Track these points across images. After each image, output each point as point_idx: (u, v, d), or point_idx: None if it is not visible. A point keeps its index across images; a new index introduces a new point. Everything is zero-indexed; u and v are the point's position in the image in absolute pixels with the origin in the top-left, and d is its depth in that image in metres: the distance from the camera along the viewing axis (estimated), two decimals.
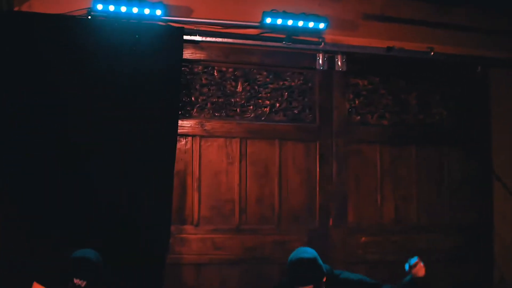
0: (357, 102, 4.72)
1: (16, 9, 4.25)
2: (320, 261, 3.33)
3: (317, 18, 4.48)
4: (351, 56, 4.69)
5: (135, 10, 4.17)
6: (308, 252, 3.36)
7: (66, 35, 4.10)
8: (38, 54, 4.04)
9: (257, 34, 4.54)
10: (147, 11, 4.19)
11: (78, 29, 4.13)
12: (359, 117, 4.72)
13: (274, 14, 4.41)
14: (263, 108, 4.54)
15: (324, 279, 3.31)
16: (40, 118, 3.99)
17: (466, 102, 4.92)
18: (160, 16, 4.25)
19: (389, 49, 4.70)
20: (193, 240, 4.29)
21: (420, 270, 3.50)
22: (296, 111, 4.59)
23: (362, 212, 4.62)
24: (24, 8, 4.26)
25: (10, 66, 3.99)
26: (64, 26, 4.12)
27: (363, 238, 4.57)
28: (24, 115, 3.98)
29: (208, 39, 4.43)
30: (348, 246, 4.54)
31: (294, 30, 4.52)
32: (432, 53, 4.79)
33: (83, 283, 3.20)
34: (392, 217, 4.66)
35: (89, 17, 4.20)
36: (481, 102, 4.93)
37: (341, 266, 4.42)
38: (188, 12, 4.49)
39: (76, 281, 3.19)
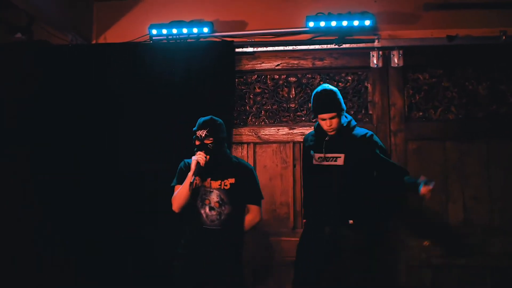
0: (417, 97, 4.50)
1: (94, 42, 4.93)
2: (341, 97, 3.77)
3: (362, 16, 4.39)
4: (409, 50, 4.48)
5: (184, 30, 4.56)
6: (331, 86, 3.82)
7: (135, 58, 4.65)
8: (115, 76, 4.63)
9: (309, 39, 4.61)
10: (195, 30, 4.54)
11: (142, 52, 4.65)
12: (421, 113, 4.49)
13: (318, 17, 4.45)
14: None
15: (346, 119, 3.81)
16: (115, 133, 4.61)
17: None
18: (207, 33, 4.58)
19: (450, 38, 4.40)
20: (250, 243, 4.49)
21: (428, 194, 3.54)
22: (352, 112, 4.54)
23: (425, 213, 4.40)
24: (101, 40, 4.92)
25: (95, 87, 4.66)
26: (133, 51, 4.67)
27: (426, 242, 4.36)
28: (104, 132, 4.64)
29: (260, 49, 4.63)
30: (409, 249, 4.37)
31: (345, 31, 4.49)
32: (504, 37, 4.37)
33: (203, 132, 3.59)
34: (461, 218, 4.37)
35: (151, 41, 4.71)
36: None
37: (404, 269, 4.34)
38: (242, 25, 4.74)
39: (198, 133, 3.61)
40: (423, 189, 3.48)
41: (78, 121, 4.59)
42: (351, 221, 3.66)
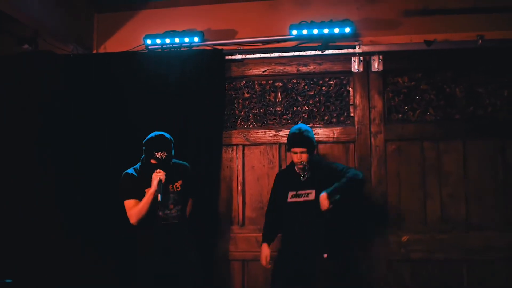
0: (397, 100, 4.72)
1: (95, 51, 5.27)
2: (313, 136, 4.17)
3: (342, 23, 4.64)
4: (389, 55, 4.72)
5: (177, 40, 4.86)
6: (305, 126, 4.24)
7: (132, 66, 4.96)
8: (115, 82, 4.95)
9: (294, 46, 4.87)
10: (186, 39, 4.84)
11: (139, 60, 4.97)
12: (400, 115, 4.71)
13: (301, 25, 4.73)
14: (302, 114, 4.85)
15: (315, 151, 4.23)
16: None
17: None
18: (198, 42, 4.88)
19: (428, 43, 4.62)
20: (240, 239, 4.79)
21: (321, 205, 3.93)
22: (334, 114, 4.78)
23: (404, 211, 4.61)
24: (101, 50, 5.26)
25: (96, 95, 4.97)
26: (131, 59, 5.00)
27: (405, 237, 4.57)
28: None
29: (248, 56, 4.92)
30: (388, 245, 4.58)
31: (327, 38, 4.74)
32: (480, 41, 4.56)
33: (164, 154, 3.90)
34: (438, 214, 4.56)
35: (147, 50, 5.02)
36: None
37: (384, 264, 4.55)
38: (232, 34, 5.03)
39: (157, 154, 3.90)
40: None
41: (79, 121, 4.93)
42: (325, 255, 3.97)
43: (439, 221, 4.56)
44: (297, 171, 4.15)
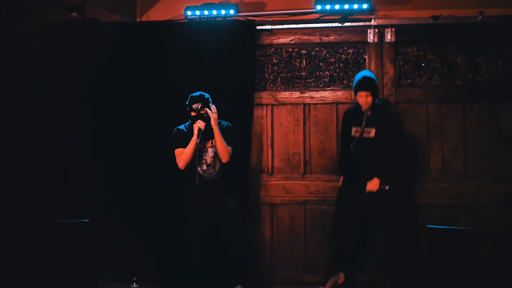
0: (406, 67, 5.44)
1: (138, 19, 5.89)
2: (376, 82, 4.92)
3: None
4: (400, 27, 5.40)
5: (214, 12, 5.52)
6: (370, 72, 5.02)
7: (174, 34, 5.62)
8: (161, 48, 5.59)
9: (317, 18, 5.54)
10: (223, 12, 5.49)
11: (180, 29, 5.63)
12: (409, 80, 5.43)
13: (324, 0, 5.35)
14: (324, 79, 5.56)
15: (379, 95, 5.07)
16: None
17: None
18: (233, 14, 5.54)
19: (434, 18, 5.30)
20: (269, 186, 5.56)
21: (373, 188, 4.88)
22: (352, 79, 5.44)
23: (412, 163, 5.36)
24: (144, 19, 5.89)
25: (140, 62, 5.61)
26: (173, 28, 5.64)
27: (413, 185, 5.35)
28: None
29: (276, 26, 5.58)
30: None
31: (347, 12, 5.41)
32: (480, 17, 5.25)
33: (199, 105, 4.72)
34: (440, 166, 5.35)
35: (186, 20, 5.66)
36: None
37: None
38: (262, 6, 5.71)
39: (194, 106, 4.74)
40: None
41: (128, 84, 5.59)
42: (387, 187, 4.86)
43: (441, 172, 5.35)
44: (363, 110, 4.88)
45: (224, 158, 4.75)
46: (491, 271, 4.80)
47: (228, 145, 4.82)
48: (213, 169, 4.81)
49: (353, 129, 4.95)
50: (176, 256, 5.32)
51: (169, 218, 5.39)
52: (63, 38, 5.68)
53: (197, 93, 4.80)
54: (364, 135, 4.87)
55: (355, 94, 4.92)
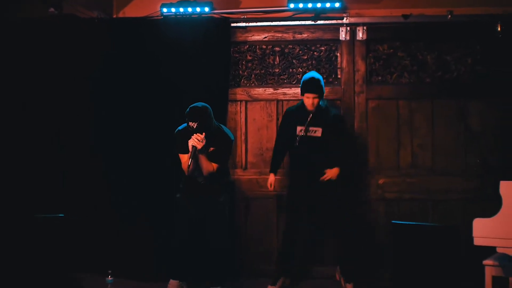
0: (377, 65, 5.55)
1: (114, 16, 5.96)
2: (323, 84, 5.02)
3: None
4: (372, 26, 5.51)
5: (189, 9, 5.58)
6: (317, 74, 5.09)
7: (149, 30, 5.69)
8: (138, 44, 5.67)
9: (290, 16, 5.63)
10: (198, 9, 5.57)
11: (156, 25, 5.70)
12: (379, 78, 5.55)
13: None
14: (296, 76, 5.66)
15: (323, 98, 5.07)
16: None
17: (485, 58, 5.41)
18: (208, 11, 5.61)
19: (405, 16, 5.41)
20: (243, 180, 5.67)
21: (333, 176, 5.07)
22: (324, 76, 5.55)
23: (381, 158, 5.51)
24: (120, 15, 5.95)
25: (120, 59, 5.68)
26: (149, 24, 5.72)
27: (382, 180, 5.49)
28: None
29: (251, 24, 5.67)
30: (368, 187, 5.49)
31: (320, 10, 5.50)
32: (449, 16, 5.37)
33: (195, 124, 4.59)
34: (409, 161, 5.48)
35: (162, 17, 5.73)
36: (500, 56, 5.37)
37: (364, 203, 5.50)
38: (237, 3, 5.78)
39: (190, 124, 4.59)
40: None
41: (105, 80, 5.68)
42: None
43: (410, 167, 5.49)
44: (308, 110, 4.99)
45: (209, 173, 4.77)
46: (457, 267, 4.91)
47: (219, 160, 4.77)
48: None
49: (298, 128, 5.06)
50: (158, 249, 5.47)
51: (156, 210, 5.52)
52: (42, 33, 5.75)
53: (193, 107, 4.61)
54: (309, 134, 5.03)
55: (302, 94, 5.02)
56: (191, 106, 4.66)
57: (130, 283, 5.31)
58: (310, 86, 4.96)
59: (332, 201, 5.08)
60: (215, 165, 4.75)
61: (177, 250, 4.97)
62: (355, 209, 5.44)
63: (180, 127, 4.84)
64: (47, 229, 4.90)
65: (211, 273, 5.03)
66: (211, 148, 4.73)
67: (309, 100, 4.96)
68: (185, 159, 4.72)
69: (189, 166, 4.62)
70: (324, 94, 5.17)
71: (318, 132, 5.02)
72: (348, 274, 5.13)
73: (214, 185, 4.86)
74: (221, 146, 4.78)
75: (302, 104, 5.07)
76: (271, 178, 5.23)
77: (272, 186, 5.24)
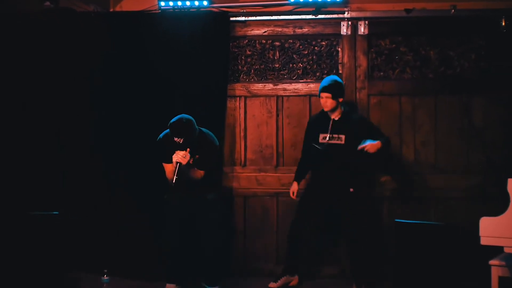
0: (379, 60, 5.45)
1: (111, 10, 5.85)
2: (340, 84, 4.96)
3: None
4: (374, 20, 5.41)
5: (188, 3, 5.49)
6: (335, 76, 5.09)
7: (147, 24, 5.58)
8: (136, 38, 5.55)
9: (290, 10, 5.53)
10: (196, 3, 5.47)
11: (154, 19, 5.59)
12: (381, 73, 5.44)
13: None
14: (297, 71, 5.56)
15: (341, 100, 4.96)
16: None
17: (489, 53, 5.30)
18: (206, 5, 5.51)
19: (407, 11, 5.30)
20: (242, 178, 5.57)
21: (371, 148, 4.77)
22: (325, 71, 5.49)
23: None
24: (117, 9, 5.85)
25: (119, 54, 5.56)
26: (146, 18, 5.61)
27: (384, 177, 5.38)
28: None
29: (250, 18, 5.56)
30: (372, 184, 5.36)
31: (321, 4, 5.41)
32: (452, 11, 5.26)
33: (181, 140, 4.48)
34: (412, 158, 5.38)
35: (159, 11, 5.62)
36: (504, 52, 5.26)
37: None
38: None
39: (176, 139, 4.47)
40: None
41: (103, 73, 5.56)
42: (351, 189, 4.93)
43: (412, 164, 5.38)
44: (325, 111, 4.94)
45: (196, 179, 4.70)
46: (461, 266, 4.83)
47: (205, 167, 4.70)
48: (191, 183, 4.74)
49: (321, 136, 4.98)
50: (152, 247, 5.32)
51: (148, 210, 5.39)
52: (37, 28, 5.63)
53: (177, 120, 4.47)
54: (333, 141, 4.93)
55: (319, 95, 4.96)
56: (176, 120, 4.51)
57: (128, 283, 5.20)
58: (323, 85, 4.92)
59: (350, 205, 4.95)
60: (202, 172, 4.69)
61: (170, 254, 4.88)
62: (369, 211, 5.27)
63: (161, 135, 4.74)
64: (43, 228, 4.85)
65: (206, 273, 4.94)
66: (197, 156, 4.65)
67: (322, 100, 4.92)
68: (169, 168, 4.65)
69: (174, 179, 4.53)
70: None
71: (341, 139, 4.93)
72: (361, 276, 4.96)
73: (202, 186, 4.77)
74: (206, 152, 4.71)
75: (322, 112, 5.03)
76: (294, 186, 5.17)
77: (295, 195, 5.15)
